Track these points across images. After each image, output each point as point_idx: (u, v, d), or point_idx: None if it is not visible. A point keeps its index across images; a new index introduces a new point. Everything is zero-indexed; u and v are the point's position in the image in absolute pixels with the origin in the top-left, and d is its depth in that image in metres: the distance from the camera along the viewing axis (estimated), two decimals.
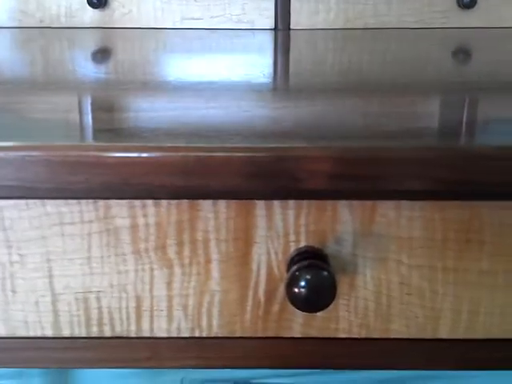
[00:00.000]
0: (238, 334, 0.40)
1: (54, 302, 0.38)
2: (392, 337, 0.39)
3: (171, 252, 0.37)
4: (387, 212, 0.36)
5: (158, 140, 0.32)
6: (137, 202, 0.36)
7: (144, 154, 0.31)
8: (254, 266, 0.37)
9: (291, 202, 0.36)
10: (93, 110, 0.39)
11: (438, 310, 0.38)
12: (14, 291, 0.38)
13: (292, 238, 0.37)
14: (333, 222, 0.36)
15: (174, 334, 0.40)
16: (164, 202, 0.36)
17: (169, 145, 0.31)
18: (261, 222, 0.36)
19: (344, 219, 0.36)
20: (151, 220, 0.36)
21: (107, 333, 0.40)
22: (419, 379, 0.98)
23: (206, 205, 0.36)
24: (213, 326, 0.39)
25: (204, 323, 0.39)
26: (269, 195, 0.34)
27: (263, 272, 0.38)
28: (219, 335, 0.40)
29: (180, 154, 0.31)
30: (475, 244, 0.37)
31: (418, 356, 0.40)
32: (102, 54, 0.59)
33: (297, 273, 0.34)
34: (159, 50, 0.61)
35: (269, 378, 1.00)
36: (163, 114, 0.38)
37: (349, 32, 0.65)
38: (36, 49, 0.60)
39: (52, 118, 0.38)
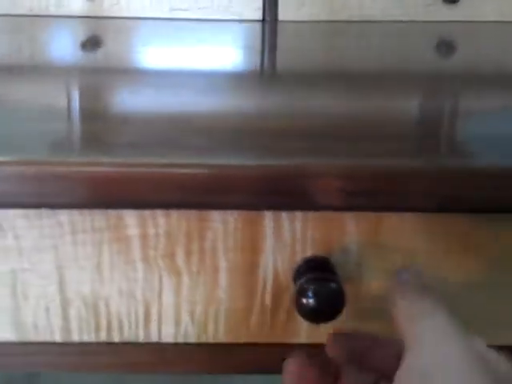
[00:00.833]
0: (244, 340, 0.41)
1: (64, 308, 0.39)
2: None
3: (180, 260, 0.38)
4: (393, 223, 0.37)
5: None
6: (147, 212, 0.36)
7: (155, 170, 0.32)
8: (261, 275, 0.38)
9: (299, 214, 0.36)
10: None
11: None
12: (24, 297, 0.39)
13: (299, 247, 0.37)
14: (339, 233, 0.37)
15: (181, 340, 0.41)
16: (174, 213, 0.36)
17: (180, 161, 0.32)
18: (268, 232, 0.37)
19: (350, 230, 0.37)
20: (161, 230, 0.37)
21: (116, 338, 0.40)
22: None
23: (214, 215, 0.36)
24: (219, 332, 0.40)
25: (211, 330, 0.40)
26: (278, 207, 0.35)
27: (270, 280, 0.38)
28: (225, 341, 0.41)
29: (191, 170, 0.31)
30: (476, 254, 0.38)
31: None
32: (88, 43, 0.60)
33: (305, 285, 0.35)
34: (147, 40, 0.61)
35: None
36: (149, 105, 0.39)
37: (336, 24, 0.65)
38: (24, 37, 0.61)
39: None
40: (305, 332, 0.40)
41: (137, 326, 0.40)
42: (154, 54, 0.56)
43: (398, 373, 0.28)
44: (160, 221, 0.36)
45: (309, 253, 0.37)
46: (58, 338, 0.40)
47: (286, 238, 0.37)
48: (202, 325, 0.40)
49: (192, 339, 0.40)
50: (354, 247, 0.37)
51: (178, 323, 0.40)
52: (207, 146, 0.34)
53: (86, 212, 0.36)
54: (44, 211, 0.36)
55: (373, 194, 0.32)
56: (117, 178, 0.32)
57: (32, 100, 0.41)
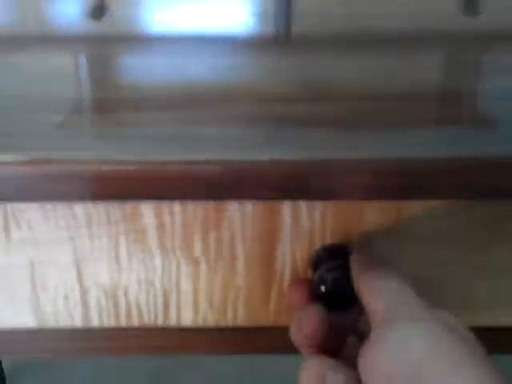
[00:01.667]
0: (262, 324, 0.41)
1: (83, 296, 0.39)
2: None
3: (197, 249, 0.37)
4: (413, 211, 0.36)
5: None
6: (164, 202, 0.36)
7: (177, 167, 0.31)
8: (280, 260, 0.38)
9: (318, 203, 0.36)
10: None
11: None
12: (43, 287, 0.39)
13: (318, 235, 0.37)
14: (359, 222, 0.36)
15: (200, 324, 0.41)
16: (190, 203, 0.36)
17: (202, 158, 0.31)
18: (287, 220, 0.36)
19: (370, 219, 0.36)
20: (177, 219, 0.36)
21: (135, 323, 0.41)
22: None
23: (232, 204, 0.36)
24: (238, 318, 0.40)
25: (230, 315, 0.40)
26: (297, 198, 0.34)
27: (288, 265, 0.38)
28: (244, 325, 0.41)
29: (214, 167, 0.31)
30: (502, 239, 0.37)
31: None
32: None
33: (324, 273, 0.35)
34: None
35: None
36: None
37: None
38: None
39: None
40: None
41: (156, 313, 0.40)
42: (165, 19, 0.54)
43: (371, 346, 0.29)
44: (176, 210, 0.36)
45: (328, 241, 0.37)
46: (78, 323, 0.40)
47: (304, 227, 0.36)
48: (221, 311, 0.40)
49: (211, 324, 0.41)
50: (374, 236, 0.37)
51: (196, 310, 0.40)
52: (221, 137, 0.33)
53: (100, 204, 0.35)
54: (59, 204, 0.35)
55: (399, 189, 0.31)
56: (134, 175, 0.31)
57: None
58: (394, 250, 0.37)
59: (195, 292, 0.39)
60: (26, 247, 0.37)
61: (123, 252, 0.37)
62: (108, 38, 0.49)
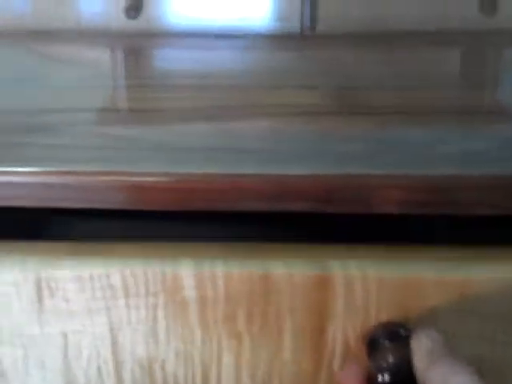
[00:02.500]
0: None
1: (117, 369, 0.37)
2: None
3: (240, 323, 0.35)
4: (476, 286, 0.33)
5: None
6: (206, 273, 0.33)
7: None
8: (330, 338, 0.35)
9: (372, 275, 0.33)
10: None
11: None
12: (76, 358, 0.36)
13: (373, 312, 0.34)
14: (418, 297, 0.33)
15: None
16: (235, 273, 0.33)
17: (241, 172, 0.32)
18: (339, 293, 0.33)
19: (430, 294, 0.33)
20: (220, 291, 0.34)
21: None
22: None
23: (279, 276, 0.33)
24: None
25: None
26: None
27: (339, 344, 0.35)
28: None
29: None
30: None
31: None
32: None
33: (384, 363, 0.32)
34: None
35: None
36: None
37: None
38: None
39: None
40: None
41: None
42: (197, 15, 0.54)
43: None
44: (219, 282, 0.33)
45: (383, 318, 0.34)
46: None
47: (358, 301, 0.34)
48: None
49: None
50: (434, 312, 0.34)
51: None
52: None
53: (139, 272, 0.33)
54: (95, 274, 0.33)
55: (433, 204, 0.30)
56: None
57: None
58: (454, 326, 0.34)
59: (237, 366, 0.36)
60: (60, 316, 0.35)
61: (162, 324, 0.35)
62: (143, 34, 0.49)
